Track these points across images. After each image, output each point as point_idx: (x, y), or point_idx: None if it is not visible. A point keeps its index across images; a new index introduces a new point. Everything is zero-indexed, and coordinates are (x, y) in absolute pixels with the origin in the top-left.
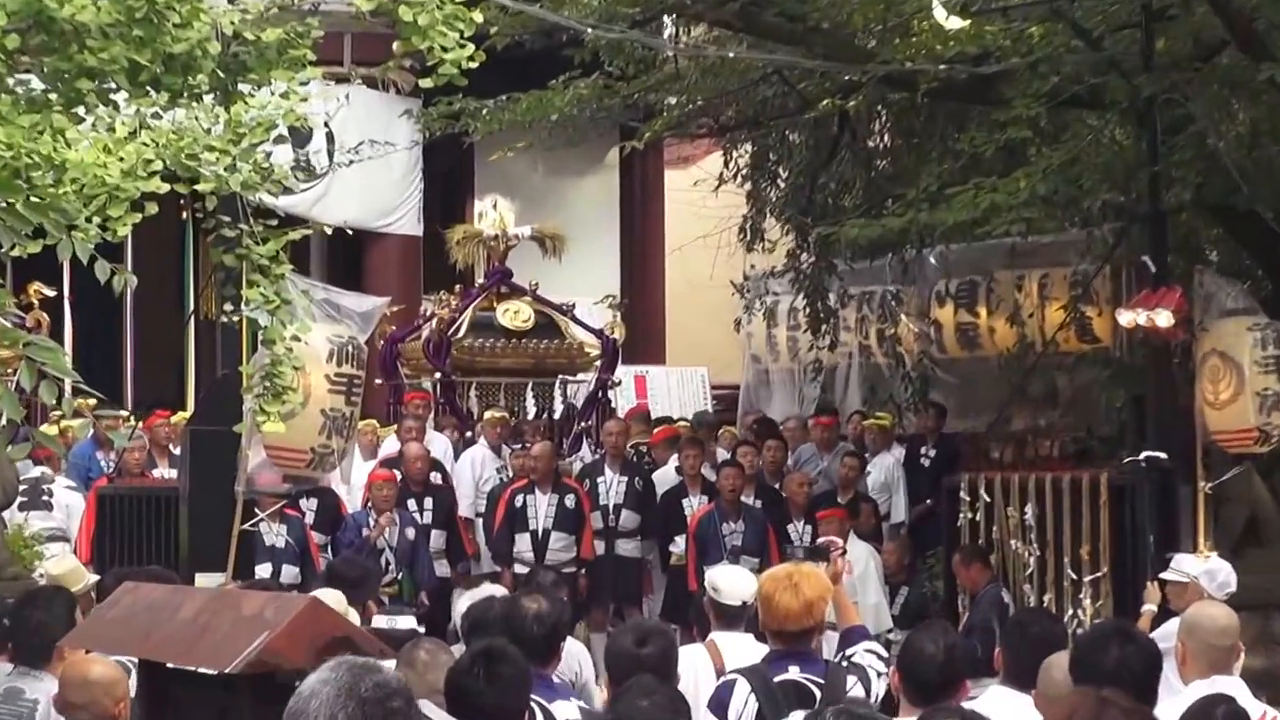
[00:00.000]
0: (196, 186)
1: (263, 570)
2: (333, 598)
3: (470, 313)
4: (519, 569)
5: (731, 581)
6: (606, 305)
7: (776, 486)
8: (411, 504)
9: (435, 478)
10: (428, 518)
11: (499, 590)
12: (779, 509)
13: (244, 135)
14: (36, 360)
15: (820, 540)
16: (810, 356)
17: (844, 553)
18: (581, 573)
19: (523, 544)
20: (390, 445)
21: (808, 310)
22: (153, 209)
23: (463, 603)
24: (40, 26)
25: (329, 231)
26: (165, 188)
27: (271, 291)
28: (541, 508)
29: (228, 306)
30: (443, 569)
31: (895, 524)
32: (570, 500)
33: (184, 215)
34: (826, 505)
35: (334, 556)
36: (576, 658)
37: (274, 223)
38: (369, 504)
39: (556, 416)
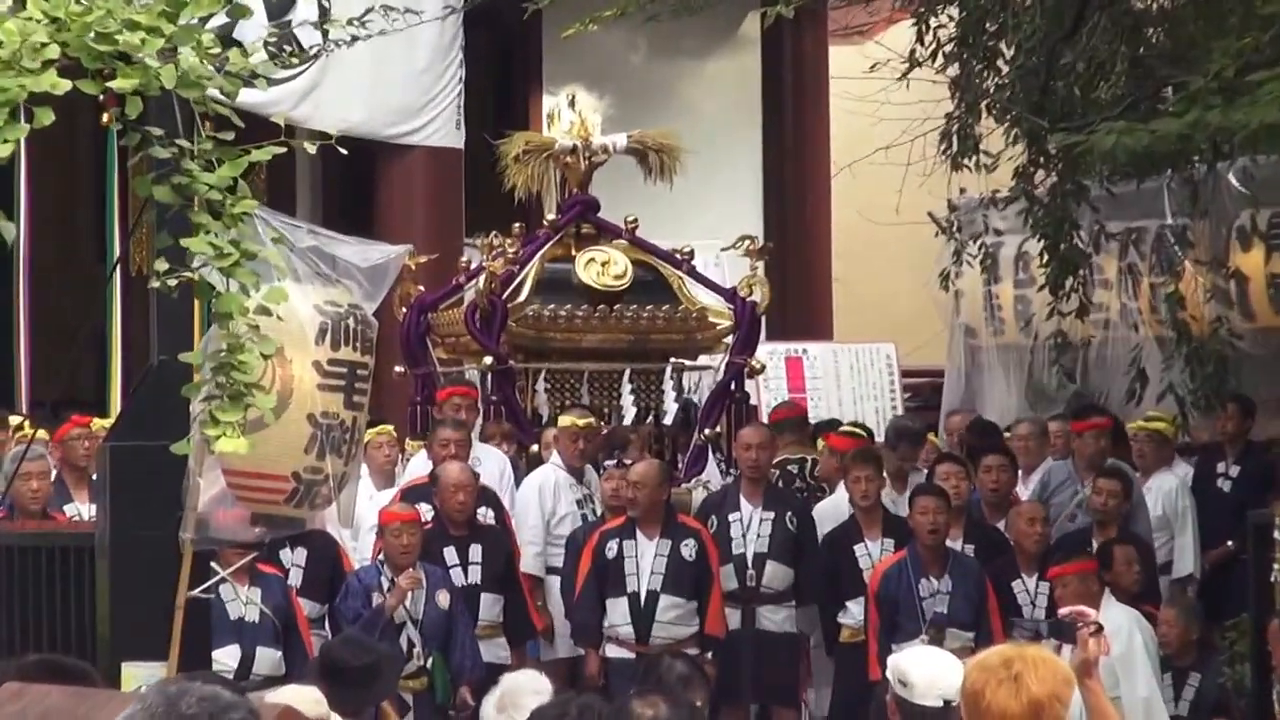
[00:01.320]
0: (113, 83)
1: (226, 657)
2: (306, 698)
3: (537, 265)
4: (612, 652)
5: (928, 669)
6: (742, 252)
7: (1001, 526)
8: (449, 554)
9: (485, 515)
10: (474, 575)
11: (541, 682)
12: (1003, 559)
13: (184, 4)
14: None
15: (1064, 611)
16: (1050, 326)
17: (1099, 629)
18: (708, 657)
19: (617, 614)
20: (417, 467)
21: (1045, 257)
22: (46, 118)
23: (491, 708)
24: None
25: (312, 149)
26: (67, 85)
27: (228, 239)
28: (646, 559)
29: (160, 265)
30: (494, 652)
31: (1179, 579)
32: (689, 548)
33: (104, 124)
34: (1070, 554)
35: (331, 635)
36: None
37: (231, 135)
38: (383, 556)
39: (668, 421)
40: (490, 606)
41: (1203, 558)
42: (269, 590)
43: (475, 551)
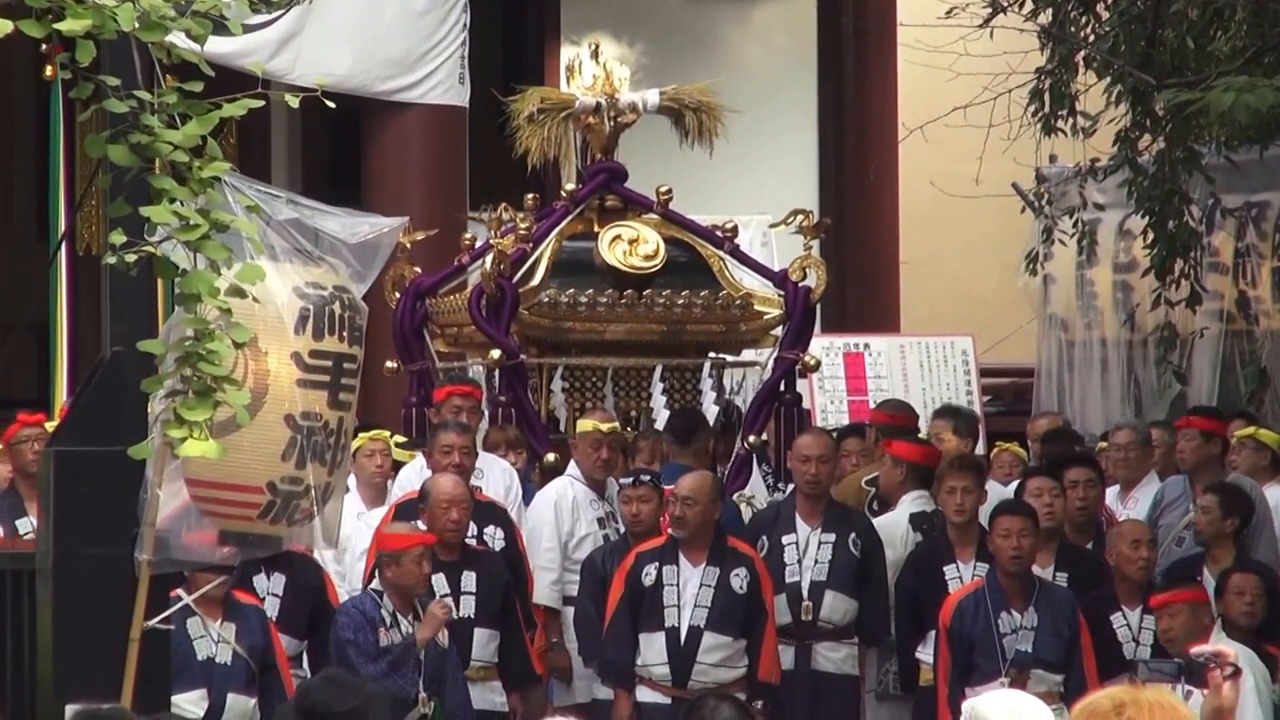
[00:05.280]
0: (61, 25)
1: (190, 703)
2: None
3: (553, 243)
4: (644, 695)
5: (1010, 717)
6: (795, 229)
7: (1090, 546)
8: (438, 583)
9: (494, 536)
10: (466, 607)
11: None
12: (1101, 589)
13: None
14: None
15: (1198, 650)
16: (1155, 318)
17: (1236, 672)
18: (758, 707)
19: (652, 651)
20: (411, 477)
21: (1150, 236)
22: None
23: None
24: None
25: (295, 103)
26: (7, 27)
27: (195, 208)
28: (689, 589)
29: (117, 237)
30: (489, 698)
31: None
32: (740, 578)
33: (49, 76)
34: (1178, 580)
35: (312, 674)
36: None
37: (200, 87)
38: (377, 585)
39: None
40: (485, 644)
41: None
42: (246, 625)
43: (468, 580)
